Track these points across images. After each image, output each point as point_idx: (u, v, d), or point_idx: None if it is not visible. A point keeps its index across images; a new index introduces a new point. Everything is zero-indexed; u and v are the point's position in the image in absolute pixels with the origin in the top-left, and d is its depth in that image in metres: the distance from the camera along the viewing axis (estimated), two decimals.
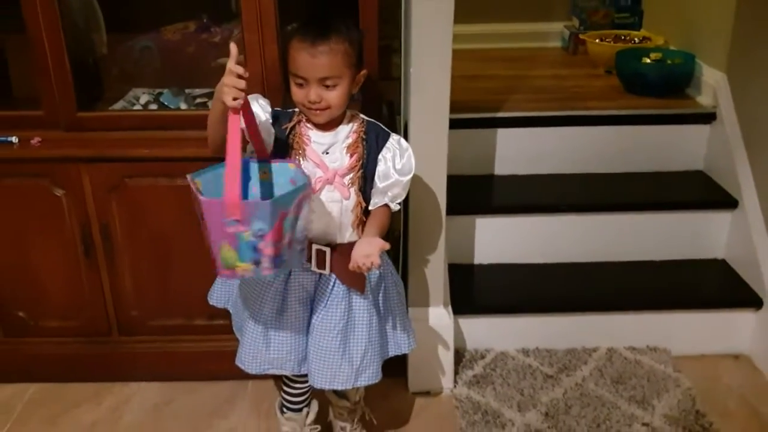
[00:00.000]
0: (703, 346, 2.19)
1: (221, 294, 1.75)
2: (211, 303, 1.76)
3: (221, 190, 1.34)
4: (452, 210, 1.98)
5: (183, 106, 2.01)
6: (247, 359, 1.63)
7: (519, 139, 2.43)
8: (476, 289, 2.24)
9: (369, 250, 1.45)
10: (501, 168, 2.45)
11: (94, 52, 2.09)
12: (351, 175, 1.53)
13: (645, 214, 2.30)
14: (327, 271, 1.55)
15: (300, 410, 1.76)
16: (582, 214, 2.29)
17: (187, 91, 2.07)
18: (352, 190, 1.53)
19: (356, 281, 1.56)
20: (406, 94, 1.91)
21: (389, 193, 1.56)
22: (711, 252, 2.34)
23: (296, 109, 1.55)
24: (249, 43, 1.81)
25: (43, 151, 1.87)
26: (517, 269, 2.31)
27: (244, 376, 2.02)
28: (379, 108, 1.94)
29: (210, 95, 2.06)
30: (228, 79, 1.33)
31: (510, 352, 2.18)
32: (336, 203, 1.53)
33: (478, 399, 2.00)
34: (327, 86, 1.45)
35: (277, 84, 1.84)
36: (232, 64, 1.33)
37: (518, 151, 2.44)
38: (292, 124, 1.53)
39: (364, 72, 1.53)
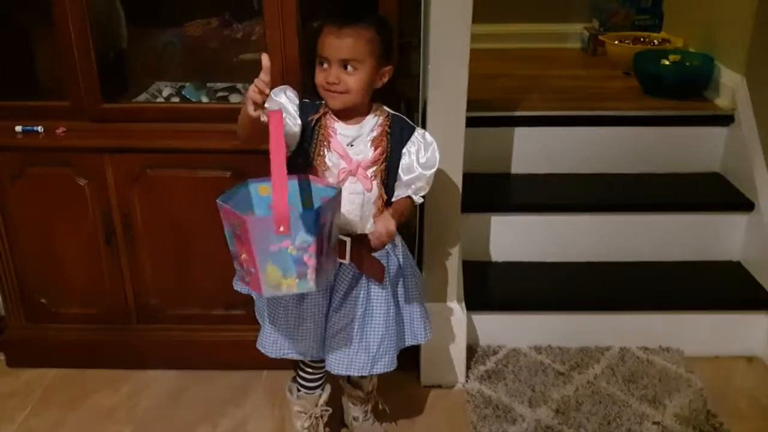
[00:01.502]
0: (716, 347, 2.19)
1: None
2: (236, 288, 1.74)
3: (251, 208, 1.39)
4: (468, 207, 2.01)
5: (204, 99, 2.05)
6: (268, 343, 1.67)
7: (536, 139, 2.45)
8: (490, 286, 2.25)
9: (385, 223, 1.50)
10: (517, 167, 2.47)
11: (119, 46, 2.13)
12: (374, 167, 1.55)
13: (661, 215, 2.30)
14: (347, 261, 1.56)
15: (313, 392, 1.79)
16: (597, 213, 2.30)
17: (208, 85, 2.11)
18: (375, 183, 1.55)
19: (375, 271, 1.58)
20: (424, 92, 1.93)
21: (412, 186, 1.58)
22: (726, 254, 2.33)
23: (323, 101, 1.57)
24: (270, 40, 1.84)
25: (68, 141, 1.91)
26: (531, 267, 2.32)
27: (259, 365, 2.09)
28: (398, 105, 1.96)
29: (230, 89, 2.10)
30: (250, 90, 1.36)
31: (522, 348, 2.19)
32: (358, 195, 1.55)
33: (489, 394, 2.01)
34: (347, 69, 1.47)
35: (296, 81, 1.86)
36: (260, 76, 1.36)
37: (535, 150, 2.45)
38: (318, 115, 1.55)
39: (389, 68, 1.54)
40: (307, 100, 1.59)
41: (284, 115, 1.48)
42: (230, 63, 2.16)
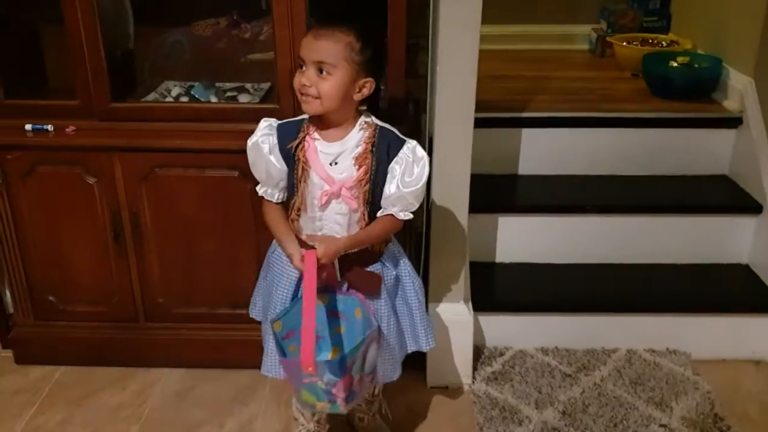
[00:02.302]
0: (723, 350, 2.18)
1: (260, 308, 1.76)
2: (251, 316, 1.79)
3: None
4: (475, 208, 2.01)
5: (213, 99, 2.05)
6: (274, 367, 1.67)
7: (543, 140, 2.44)
8: (497, 287, 2.25)
9: (325, 249, 1.44)
10: (525, 168, 2.47)
11: (128, 45, 2.14)
12: (357, 188, 1.48)
13: (669, 217, 2.30)
14: (338, 279, 1.55)
15: None
16: (605, 215, 2.29)
17: (217, 84, 2.11)
18: (359, 203, 1.50)
19: (370, 286, 1.56)
20: (432, 93, 1.93)
21: (398, 205, 1.51)
22: (734, 257, 2.33)
23: (303, 117, 1.53)
24: (279, 39, 1.84)
25: (77, 140, 1.92)
26: (538, 268, 2.32)
27: None
28: (406, 106, 1.96)
29: (239, 89, 2.10)
30: (295, 259, 1.46)
31: (529, 350, 2.19)
32: (344, 216, 1.51)
33: (496, 395, 2.01)
34: (322, 73, 1.41)
35: None
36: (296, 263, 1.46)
37: (542, 152, 2.45)
38: (297, 141, 1.50)
39: (370, 81, 1.46)
40: (287, 122, 1.55)
41: (269, 167, 1.51)
42: (239, 63, 2.16)
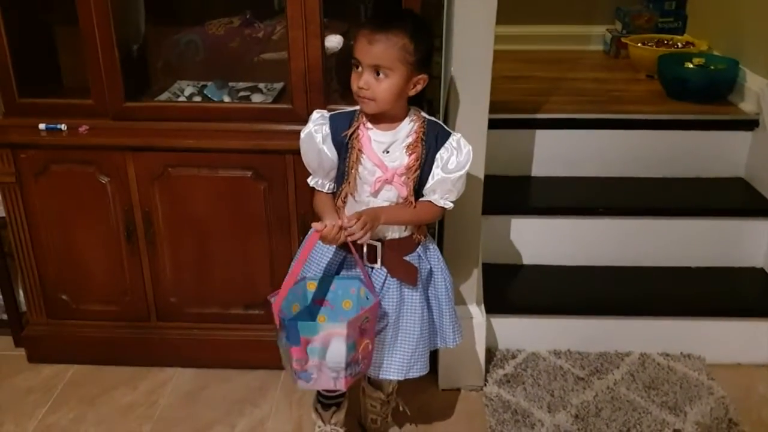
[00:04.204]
0: (738, 354, 2.16)
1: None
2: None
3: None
4: (488, 209, 2.00)
5: (226, 98, 2.05)
6: None
7: (557, 141, 2.43)
8: (510, 289, 2.24)
9: (365, 217, 1.47)
10: (538, 169, 2.45)
11: (142, 45, 2.14)
12: (408, 174, 1.53)
13: (684, 219, 2.28)
14: (378, 265, 1.58)
15: (328, 409, 1.78)
16: (619, 217, 2.28)
17: (230, 84, 2.11)
18: (408, 189, 1.54)
19: (407, 275, 1.58)
20: (446, 93, 1.92)
21: (437, 191, 1.56)
22: (750, 260, 2.31)
23: (357, 108, 1.57)
24: (293, 39, 1.84)
25: (91, 139, 1.92)
26: (551, 271, 2.31)
27: (278, 365, 2.07)
28: (420, 106, 1.95)
29: (252, 89, 2.10)
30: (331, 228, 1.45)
31: (542, 353, 2.17)
32: (392, 202, 1.55)
33: (508, 398, 2.00)
34: (378, 75, 1.46)
35: (318, 81, 1.87)
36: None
37: (556, 153, 2.43)
38: (352, 130, 1.54)
39: (424, 76, 1.51)
40: (340, 112, 1.59)
41: (321, 156, 1.55)
42: (252, 62, 2.16)
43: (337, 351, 1.45)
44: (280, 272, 1.99)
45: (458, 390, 2.06)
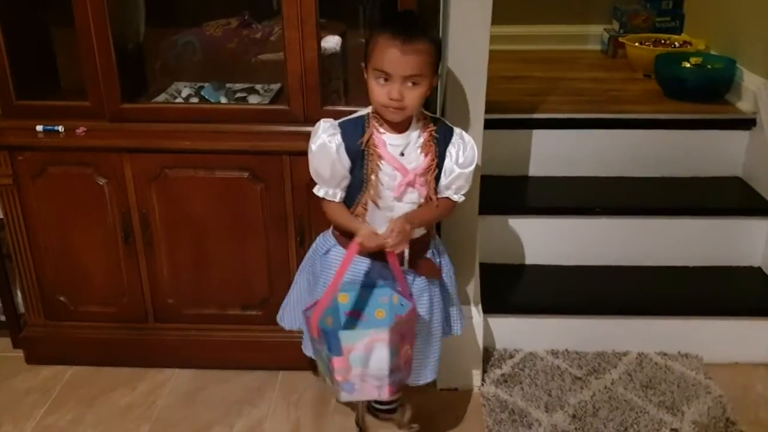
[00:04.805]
0: (736, 354, 2.16)
1: (292, 318, 1.80)
2: (281, 324, 1.82)
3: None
4: (485, 209, 2.00)
5: (223, 100, 2.05)
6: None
7: (554, 141, 2.43)
8: (507, 289, 2.24)
9: (395, 226, 1.48)
10: (535, 169, 2.45)
11: (139, 46, 2.14)
12: (428, 174, 1.54)
13: (681, 219, 2.28)
14: (406, 267, 1.58)
15: (392, 414, 1.80)
16: (616, 217, 2.28)
17: (227, 85, 2.11)
18: (429, 189, 1.56)
19: (432, 270, 1.62)
20: (443, 94, 1.93)
21: (453, 186, 1.58)
22: (747, 259, 2.31)
23: (363, 114, 1.56)
24: (289, 40, 1.84)
25: (88, 141, 1.92)
26: (548, 270, 2.31)
27: (276, 366, 2.09)
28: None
29: (249, 90, 2.10)
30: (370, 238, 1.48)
31: (539, 352, 2.18)
32: (414, 204, 1.56)
33: (505, 398, 2.00)
34: (409, 85, 1.45)
35: (315, 82, 1.87)
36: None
37: (553, 153, 2.43)
38: (366, 137, 1.53)
39: (437, 76, 1.54)
40: (348, 120, 1.57)
41: (336, 166, 1.52)
42: (249, 63, 2.16)
43: (381, 358, 1.45)
44: (278, 273, 2.01)
45: (455, 389, 2.06)
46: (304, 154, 1.87)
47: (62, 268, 2.06)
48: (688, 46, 2.94)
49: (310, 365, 1.83)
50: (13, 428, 1.94)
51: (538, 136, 2.42)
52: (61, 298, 2.10)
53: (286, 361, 2.09)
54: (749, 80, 2.46)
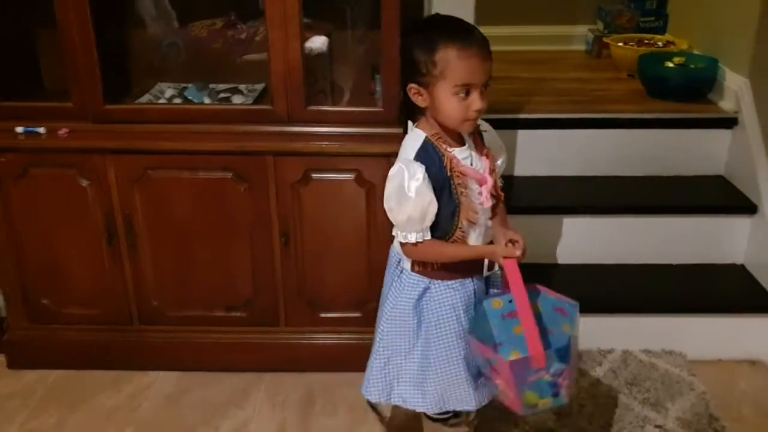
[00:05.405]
0: (719, 350, 2.18)
1: (380, 388, 1.66)
2: (366, 397, 1.69)
3: (489, 327, 1.50)
4: None
5: (207, 100, 2.04)
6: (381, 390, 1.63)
7: (540, 141, 2.44)
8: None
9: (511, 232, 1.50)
10: (520, 169, 2.46)
11: (122, 47, 2.13)
12: (494, 173, 1.51)
13: (664, 217, 2.29)
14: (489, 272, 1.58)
15: (459, 414, 1.78)
16: (600, 216, 2.29)
17: (211, 86, 2.11)
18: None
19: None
20: None
21: (500, 172, 1.57)
22: (730, 257, 2.32)
23: (421, 138, 1.44)
24: (273, 40, 1.84)
25: (70, 142, 1.91)
26: (533, 269, 2.30)
27: (261, 367, 2.09)
28: (399, 106, 1.95)
29: (233, 90, 2.10)
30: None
31: None
32: (489, 210, 1.52)
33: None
34: (484, 90, 1.40)
35: (299, 82, 1.87)
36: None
37: (538, 153, 2.44)
38: (447, 162, 1.44)
39: None
40: (419, 150, 1.44)
41: (432, 205, 1.42)
42: (233, 64, 2.16)
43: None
44: (262, 274, 2.00)
45: None
46: (287, 154, 1.90)
47: (45, 271, 2.04)
48: (672, 46, 2.96)
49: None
50: None
51: (523, 136, 2.42)
52: (44, 301, 2.08)
53: (271, 363, 2.09)
54: (731, 79, 2.48)
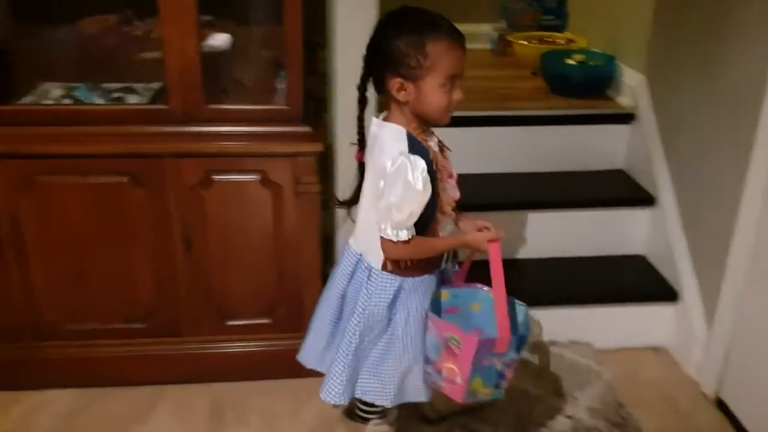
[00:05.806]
0: (624, 339, 2.24)
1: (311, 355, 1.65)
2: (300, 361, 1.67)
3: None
4: None
5: (98, 101, 1.93)
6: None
7: (448, 139, 2.43)
8: None
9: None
10: None
11: (4, 44, 1.99)
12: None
13: (567, 211, 2.34)
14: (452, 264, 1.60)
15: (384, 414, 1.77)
16: (504, 212, 2.30)
17: (104, 85, 2.00)
18: None
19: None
20: (334, 91, 1.89)
21: None
22: (631, 248, 2.40)
23: (401, 131, 1.42)
24: (167, 37, 1.77)
25: None
26: None
27: (164, 380, 2.00)
28: (306, 104, 1.90)
29: (127, 90, 1.99)
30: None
31: None
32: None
33: None
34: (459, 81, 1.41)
35: (196, 81, 1.79)
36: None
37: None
38: (432, 154, 1.44)
39: None
40: (413, 147, 1.41)
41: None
42: (128, 62, 2.06)
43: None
44: (163, 281, 1.91)
45: None
46: (186, 155, 1.82)
47: None
48: (572, 44, 3.03)
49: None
50: None
51: None
52: None
53: (175, 375, 2.00)
54: (628, 76, 2.57)
